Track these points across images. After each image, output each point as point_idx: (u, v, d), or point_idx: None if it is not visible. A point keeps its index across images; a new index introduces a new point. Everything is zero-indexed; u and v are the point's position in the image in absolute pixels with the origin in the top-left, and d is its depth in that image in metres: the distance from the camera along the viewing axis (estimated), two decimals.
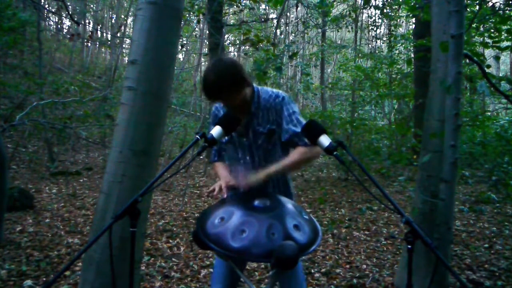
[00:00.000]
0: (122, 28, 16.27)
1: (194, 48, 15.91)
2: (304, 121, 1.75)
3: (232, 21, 14.70)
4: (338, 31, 17.98)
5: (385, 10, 11.92)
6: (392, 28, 13.31)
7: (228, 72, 1.67)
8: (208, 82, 1.66)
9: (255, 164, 1.87)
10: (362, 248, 4.24)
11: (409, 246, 1.25)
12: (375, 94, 11.14)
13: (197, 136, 1.53)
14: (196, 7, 7.68)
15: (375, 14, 14.96)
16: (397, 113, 12.49)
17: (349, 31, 16.39)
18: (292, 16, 17.25)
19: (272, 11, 16.42)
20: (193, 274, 3.45)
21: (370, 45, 17.97)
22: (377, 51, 16.18)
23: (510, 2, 4.80)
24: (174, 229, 4.69)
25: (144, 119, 2.30)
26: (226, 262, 1.82)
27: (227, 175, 1.86)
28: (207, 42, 10.62)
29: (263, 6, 15.03)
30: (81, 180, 7.30)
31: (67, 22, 19.66)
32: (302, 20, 14.66)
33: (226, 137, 1.84)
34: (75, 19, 11.96)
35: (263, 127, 1.84)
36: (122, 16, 18.97)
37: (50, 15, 17.20)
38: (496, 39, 4.52)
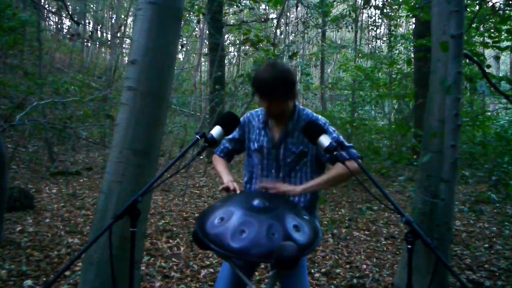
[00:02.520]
0: (122, 28, 16.25)
1: (194, 48, 15.92)
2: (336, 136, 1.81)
3: (232, 21, 14.70)
4: (338, 31, 17.96)
5: (385, 10, 11.92)
6: (392, 28, 13.29)
7: (286, 74, 1.72)
8: (267, 77, 1.69)
9: (279, 179, 1.87)
10: (362, 248, 4.24)
11: (409, 246, 1.25)
12: (375, 94, 11.13)
13: (197, 136, 1.53)
14: (196, 7, 7.68)
15: (375, 14, 14.95)
16: (397, 113, 12.48)
17: (349, 31, 16.38)
18: (292, 16, 17.25)
19: (272, 11, 16.43)
20: (193, 274, 3.45)
21: (370, 45, 17.96)
22: (377, 51, 16.17)
23: (510, 2, 4.80)
24: (174, 229, 4.68)
25: (144, 119, 2.30)
26: (231, 269, 1.81)
27: (230, 177, 1.87)
28: (207, 42, 10.62)
29: (263, 6, 15.03)
30: (81, 180, 7.30)
31: (67, 22, 19.66)
32: (302, 20, 14.66)
33: (256, 145, 1.88)
34: (75, 19, 11.96)
35: (296, 147, 1.84)
36: (122, 16, 18.95)
37: (50, 15, 17.21)
38: (496, 39, 4.52)
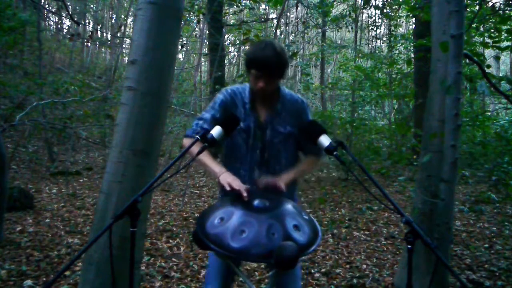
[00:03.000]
0: (122, 28, 16.24)
1: (194, 48, 15.91)
2: None
3: (232, 21, 14.70)
4: (338, 31, 17.96)
5: (385, 10, 11.92)
6: (392, 28, 13.29)
7: (285, 53, 1.76)
8: (272, 55, 1.69)
9: (263, 159, 1.85)
10: (362, 248, 4.24)
11: (409, 246, 1.25)
12: (375, 94, 11.13)
13: (197, 136, 1.53)
14: (196, 7, 7.68)
15: (375, 14, 14.95)
16: (397, 113, 12.48)
17: (349, 31, 16.38)
18: (292, 16, 17.24)
19: (272, 11, 16.42)
20: (193, 274, 3.45)
21: (370, 45, 17.96)
22: (377, 51, 16.17)
23: (510, 2, 4.80)
24: (174, 229, 4.68)
25: (144, 119, 2.30)
26: (220, 260, 1.82)
27: (224, 170, 1.74)
28: (207, 42, 10.61)
29: (263, 6, 15.03)
30: (81, 180, 7.30)
31: (67, 22, 19.65)
32: (302, 20, 14.66)
33: (243, 125, 1.81)
34: (75, 19, 11.96)
35: (283, 127, 1.84)
36: (122, 16, 18.95)
37: (50, 15, 17.21)
38: (496, 39, 4.52)
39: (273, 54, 1.69)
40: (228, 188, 1.63)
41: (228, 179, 1.66)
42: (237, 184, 1.64)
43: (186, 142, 1.86)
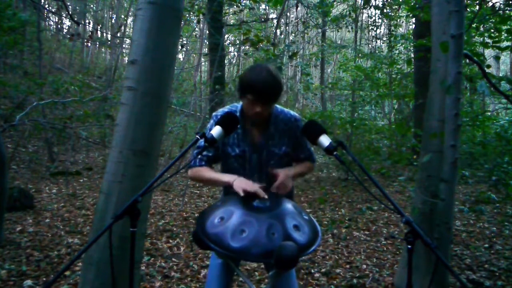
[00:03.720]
0: (122, 28, 16.24)
1: (194, 48, 15.91)
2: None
3: (232, 21, 14.70)
4: (338, 31, 17.97)
5: (385, 10, 11.92)
6: (392, 28, 13.30)
7: (280, 78, 1.72)
8: (267, 81, 1.65)
9: (261, 181, 1.82)
10: (362, 248, 4.24)
11: (409, 246, 1.25)
12: (375, 94, 11.14)
13: (197, 136, 1.53)
14: (196, 7, 7.68)
15: (375, 14, 14.96)
16: (397, 113, 12.49)
17: (349, 31, 16.39)
18: (292, 16, 17.25)
19: (272, 11, 16.42)
20: (193, 274, 3.45)
21: (370, 45, 17.97)
22: (377, 51, 16.18)
23: (510, 2, 4.80)
24: (174, 229, 4.69)
25: (144, 119, 2.30)
26: (221, 261, 1.82)
27: (246, 180, 1.70)
28: (207, 42, 10.62)
29: (263, 6, 15.02)
30: (81, 180, 7.30)
31: (67, 22, 19.64)
32: (302, 20, 14.67)
33: (238, 150, 1.82)
34: (75, 19, 11.96)
35: (278, 148, 1.83)
36: (122, 16, 18.95)
37: (50, 15, 17.20)
38: (496, 39, 4.53)
39: (270, 79, 1.66)
40: (242, 194, 1.59)
41: (242, 185, 1.63)
42: (251, 187, 1.61)
43: (195, 171, 1.86)
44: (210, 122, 1.88)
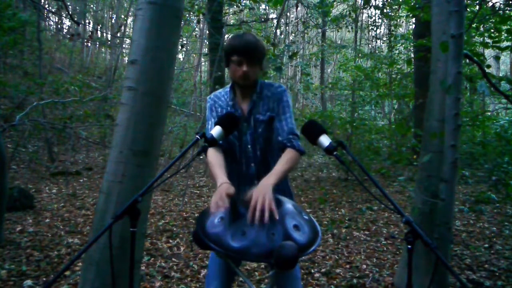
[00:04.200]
0: (122, 28, 16.24)
1: (194, 48, 15.91)
2: (294, 123, 1.87)
3: (232, 21, 14.70)
4: (338, 31, 17.97)
5: (385, 10, 11.92)
6: (392, 28, 13.31)
7: (262, 43, 1.83)
8: (249, 40, 1.77)
9: (256, 153, 1.88)
10: (362, 248, 4.24)
11: (409, 246, 1.25)
12: (375, 94, 11.15)
13: (197, 136, 1.53)
14: (196, 7, 7.68)
15: (375, 14, 14.96)
16: (397, 113, 12.49)
17: (349, 31, 16.39)
18: (292, 16, 17.25)
19: (272, 11, 16.42)
20: (193, 274, 3.45)
21: (370, 45, 17.98)
22: (377, 51, 16.18)
23: (510, 2, 4.80)
24: (174, 229, 4.69)
25: (144, 119, 2.30)
26: (221, 260, 1.82)
27: (226, 179, 1.64)
28: (207, 42, 10.61)
29: (263, 6, 15.02)
30: (81, 180, 7.30)
31: (67, 22, 19.66)
32: (302, 20, 14.67)
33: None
34: (75, 19, 11.96)
35: (263, 115, 1.86)
36: (122, 16, 18.96)
37: (50, 15, 17.20)
38: (496, 39, 4.52)
39: (252, 38, 1.79)
40: (212, 210, 1.49)
41: (216, 198, 1.51)
42: (221, 203, 1.48)
43: (208, 154, 1.79)
44: (207, 105, 1.97)
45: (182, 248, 4.06)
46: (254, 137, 1.87)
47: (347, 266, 3.75)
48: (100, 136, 10.92)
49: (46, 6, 14.89)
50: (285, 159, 1.73)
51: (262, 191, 1.49)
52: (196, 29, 13.46)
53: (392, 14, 12.21)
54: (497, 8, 4.95)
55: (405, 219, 1.24)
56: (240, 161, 1.90)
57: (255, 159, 1.88)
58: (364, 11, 15.29)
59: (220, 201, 1.49)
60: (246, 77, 1.79)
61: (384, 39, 14.83)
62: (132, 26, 15.25)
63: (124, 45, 17.08)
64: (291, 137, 1.80)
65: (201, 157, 10.24)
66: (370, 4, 11.40)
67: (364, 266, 3.73)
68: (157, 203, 5.91)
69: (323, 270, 3.61)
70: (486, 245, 4.34)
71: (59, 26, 19.75)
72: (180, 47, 8.67)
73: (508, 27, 4.59)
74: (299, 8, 14.41)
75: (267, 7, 16.19)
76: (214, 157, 1.77)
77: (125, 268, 2.06)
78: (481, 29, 5.39)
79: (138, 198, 1.29)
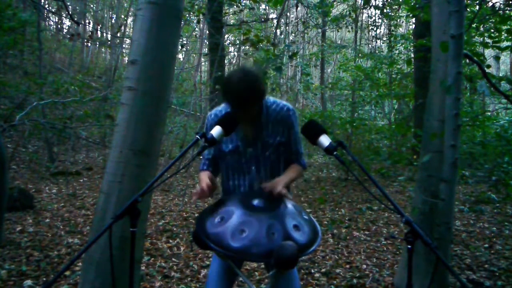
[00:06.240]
0: (122, 28, 16.24)
1: (194, 48, 15.90)
2: (301, 143, 1.93)
3: (232, 21, 14.69)
4: (338, 31, 17.98)
5: (385, 10, 11.92)
6: (392, 28, 13.31)
7: (257, 85, 1.67)
8: (238, 92, 1.64)
9: (261, 175, 1.85)
10: (362, 248, 4.24)
11: (409, 246, 1.25)
12: (375, 94, 11.14)
13: (197, 136, 1.53)
14: (196, 7, 7.67)
15: (375, 14, 14.96)
16: (397, 113, 12.50)
17: (349, 31, 16.39)
18: (292, 16, 17.24)
19: (272, 11, 16.42)
20: (193, 274, 3.45)
21: (370, 45, 17.97)
22: (377, 51, 16.18)
23: (510, 2, 4.80)
24: (174, 229, 4.69)
25: (144, 119, 2.30)
26: (223, 263, 1.82)
27: (207, 179, 1.74)
28: (207, 42, 10.62)
29: (263, 6, 15.02)
30: (81, 180, 7.30)
31: (67, 22, 19.65)
32: (302, 20, 14.66)
33: (231, 146, 1.84)
34: (75, 19, 11.95)
35: (272, 138, 1.83)
36: (122, 16, 18.96)
37: (50, 15, 17.20)
38: (496, 39, 4.52)
39: (242, 86, 1.64)
40: (193, 198, 1.72)
41: (197, 189, 1.67)
42: (203, 185, 1.66)
43: (199, 175, 1.89)
44: (205, 123, 1.91)
45: (182, 248, 4.06)
46: (260, 159, 1.84)
47: (347, 266, 3.75)
48: (100, 136, 10.91)
49: (46, 6, 14.89)
50: (293, 169, 1.88)
51: (276, 182, 1.69)
52: (196, 29, 13.45)
53: (392, 14, 12.21)
54: (497, 8, 4.95)
55: (405, 219, 1.24)
56: (241, 183, 1.89)
57: (259, 180, 1.85)
58: (364, 11, 15.30)
59: (202, 183, 1.65)
60: (244, 120, 1.74)
61: (384, 39, 14.83)
62: (132, 26, 15.26)
63: (124, 45, 17.07)
64: (298, 156, 1.92)
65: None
66: (370, 4, 11.40)
67: (364, 266, 3.73)
68: (157, 203, 5.91)
69: (323, 270, 3.61)
70: (486, 245, 4.34)
71: (59, 26, 19.76)
72: (180, 47, 8.66)
73: (508, 27, 4.59)
74: (299, 8, 14.41)
75: (267, 7, 16.19)
76: (202, 174, 1.85)
77: (125, 268, 2.06)
78: (481, 29, 5.39)
79: (138, 198, 1.29)
